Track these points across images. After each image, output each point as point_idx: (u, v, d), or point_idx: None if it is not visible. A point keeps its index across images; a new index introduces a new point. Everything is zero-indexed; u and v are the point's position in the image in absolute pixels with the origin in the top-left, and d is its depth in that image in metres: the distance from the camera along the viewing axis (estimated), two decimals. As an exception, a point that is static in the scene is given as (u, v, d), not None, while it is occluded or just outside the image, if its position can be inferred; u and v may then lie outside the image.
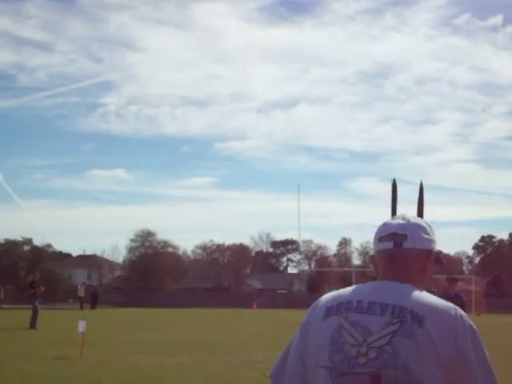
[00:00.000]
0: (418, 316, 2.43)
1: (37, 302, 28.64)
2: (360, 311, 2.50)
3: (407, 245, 2.64)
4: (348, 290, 2.67)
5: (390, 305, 2.49)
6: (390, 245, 2.65)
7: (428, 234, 2.71)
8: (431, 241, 2.72)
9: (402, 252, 2.64)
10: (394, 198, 18.24)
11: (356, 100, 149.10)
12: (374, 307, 2.50)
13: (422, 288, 2.61)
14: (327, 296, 2.69)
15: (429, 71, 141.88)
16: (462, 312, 2.53)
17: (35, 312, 28.43)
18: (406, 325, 2.42)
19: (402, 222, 2.70)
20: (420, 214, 17.22)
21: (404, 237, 2.64)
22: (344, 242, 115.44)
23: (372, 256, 2.78)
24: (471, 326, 2.49)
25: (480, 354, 2.45)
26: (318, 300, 2.71)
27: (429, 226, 2.75)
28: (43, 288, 29.97)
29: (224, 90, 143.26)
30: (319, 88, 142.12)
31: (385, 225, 2.74)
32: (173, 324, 35.17)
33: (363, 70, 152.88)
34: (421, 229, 2.69)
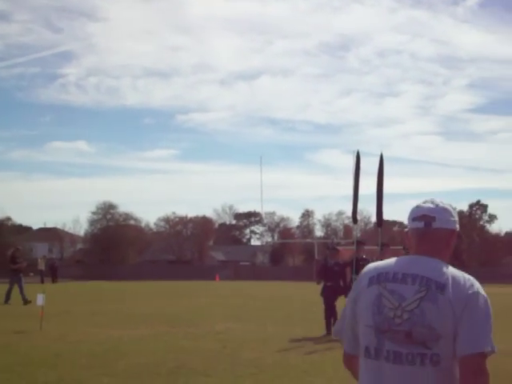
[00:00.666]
0: (440, 285, 3.07)
1: (17, 278, 27.68)
2: (396, 281, 3.16)
3: (435, 225, 3.25)
4: (386, 262, 3.31)
5: (419, 276, 3.13)
6: (421, 224, 3.27)
7: (453, 216, 3.31)
8: (455, 222, 3.32)
9: (431, 231, 3.26)
10: (358, 170, 18.36)
11: (319, 72, 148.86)
12: (407, 278, 3.14)
13: (446, 260, 3.24)
14: (369, 267, 3.35)
15: (391, 44, 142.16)
16: (474, 281, 3.12)
17: (20, 287, 27.38)
18: (430, 292, 3.06)
19: (431, 206, 3.29)
20: (380, 185, 17.45)
21: (433, 218, 3.25)
22: (307, 214, 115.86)
23: (406, 232, 3.40)
24: (480, 293, 3.09)
25: (481, 311, 3.05)
26: (362, 273, 3.37)
27: (454, 209, 3.35)
28: (25, 263, 29.35)
29: (186, 61, 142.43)
30: (282, 60, 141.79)
31: (417, 207, 3.34)
32: (135, 296, 35.01)
33: (326, 41, 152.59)
34: (447, 212, 3.30)
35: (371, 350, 3.17)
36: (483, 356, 3.01)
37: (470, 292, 3.06)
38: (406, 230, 3.43)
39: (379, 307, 3.15)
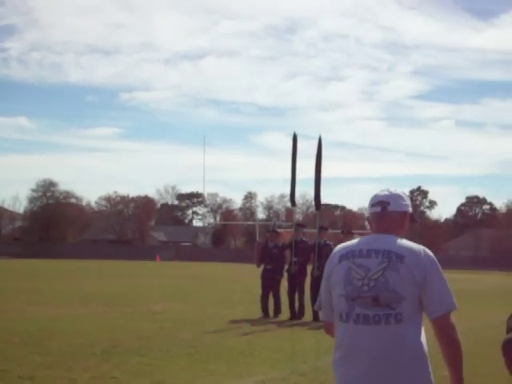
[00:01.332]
0: (400, 256, 3.71)
1: None
2: (362, 256, 3.78)
3: (390, 208, 3.92)
4: (352, 242, 3.96)
5: (381, 250, 3.76)
6: (378, 209, 3.94)
7: (404, 200, 3.99)
8: (407, 205, 4.00)
9: (387, 214, 3.92)
10: (295, 152, 18.35)
11: (265, 54, 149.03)
12: (371, 253, 3.77)
13: (401, 237, 3.86)
14: (339, 247, 3.99)
15: (336, 28, 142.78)
16: (428, 250, 3.78)
17: None
18: (392, 262, 3.69)
19: (386, 193, 3.97)
20: (318, 167, 17.41)
21: (388, 203, 3.92)
22: (249, 196, 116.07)
23: (367, 217, 4.09)
24: (434, 259, 3.76)
25: (439, 276, 3.72)
26: (333, 253, 4.00)
27: (405, 195, 4.04)
28: None
29: (131, 39, 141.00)
30: (228, 41, 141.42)
31: (375, 195, 3.99)
32: (73, 275, 34.67)
33: (272, 24, 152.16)
34: (399, 197, 3.98)
35: (343, 315, 3.78)
36: (449, 315, 3.72)
37: (426, 260, 3.73)
38: (367, 215, 4.09)
39: (349, 279, 3.76)
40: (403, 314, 3.63)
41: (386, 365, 3.66)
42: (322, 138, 17.58)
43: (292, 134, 17.91)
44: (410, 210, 4.02)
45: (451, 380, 3.80)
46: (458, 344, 3.76)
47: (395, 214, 3.93)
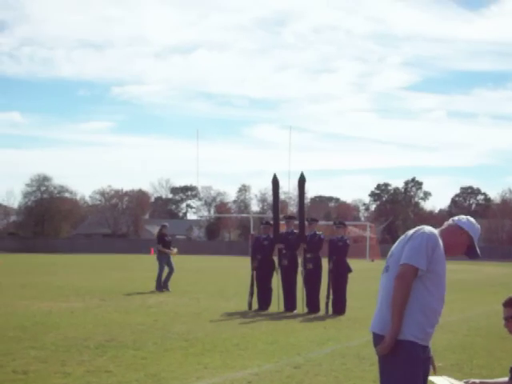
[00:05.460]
0: (408, 233, 5.18)
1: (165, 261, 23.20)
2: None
3: (455, 221, 5.35)
4: None
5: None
6: (450, 220, 5.46)
7: (468, 224, 5.31)
8: (468, 227, 5.30)
9: (450, 223, 5.36)
10: (276, 194, 17.93)
11: (255, 47, 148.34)
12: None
13: (453, 251, 5.27)
14: None
15: (326, 20, 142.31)
16: (427, 228, 5.12)
17: (170, 271, 22.86)
18: (404, 237, 5.19)
19: (462, 216, 5.51)
20: (301, 207, 16.98)
21: (456, 219, 5.39)
22: (243, 189, 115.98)
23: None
24: (422, 232, 5.06)
25: (416, 241, 4.99)
26: None
27: (474, 225, 5.34)
28: (176, 250, 24.68)
29: (121, 33, 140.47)
30: (218, 34, 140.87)
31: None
32: (67, 269, 34.63)
33: (262, 16, 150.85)
34: (467, 220, 5.36)
35: None
36: (408, 266, 4.92)
37: (415, 232, 5.08)
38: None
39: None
40: (390, 266, 5.13)
41: (381, 296, 5.13)
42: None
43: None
44: (471, 234, 5.28)
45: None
46: (398, 292, 4.90)
47: (455, 226, 5.31)
